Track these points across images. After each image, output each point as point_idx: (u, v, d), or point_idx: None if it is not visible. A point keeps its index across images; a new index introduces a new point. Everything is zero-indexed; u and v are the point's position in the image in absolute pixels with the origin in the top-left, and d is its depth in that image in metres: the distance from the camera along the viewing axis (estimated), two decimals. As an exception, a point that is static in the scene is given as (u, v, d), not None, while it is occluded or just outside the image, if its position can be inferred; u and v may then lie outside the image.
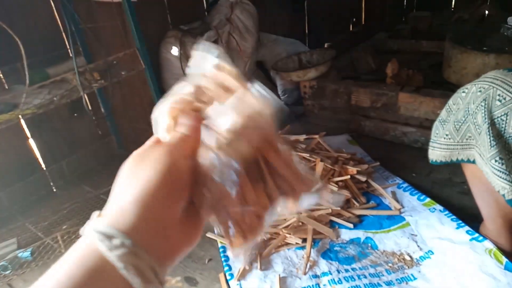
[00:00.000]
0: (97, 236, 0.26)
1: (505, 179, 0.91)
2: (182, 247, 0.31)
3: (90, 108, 1.85)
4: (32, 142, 1.72)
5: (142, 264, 0.26)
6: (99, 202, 1.61)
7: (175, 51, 1.92)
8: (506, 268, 1.07)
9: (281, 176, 0.34)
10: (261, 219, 0.34)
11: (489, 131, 0.92)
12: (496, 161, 0.92)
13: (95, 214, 0.29)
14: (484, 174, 0.97)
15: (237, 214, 0.33)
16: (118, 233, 0.26)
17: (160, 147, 0.32)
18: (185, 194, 0.32)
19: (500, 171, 0.92)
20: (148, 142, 0.35)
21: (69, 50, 1.72)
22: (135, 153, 0.33)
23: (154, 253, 0.27)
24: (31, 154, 1.74)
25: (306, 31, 2.96)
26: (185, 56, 1.92)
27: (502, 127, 0.91)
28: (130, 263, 0.25)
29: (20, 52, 1.28)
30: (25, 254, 1.37)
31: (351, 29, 3.44)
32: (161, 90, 1.88)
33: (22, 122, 1.67)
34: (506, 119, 0.90)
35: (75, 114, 1.81)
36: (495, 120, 0.92)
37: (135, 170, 0.31)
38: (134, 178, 0.30)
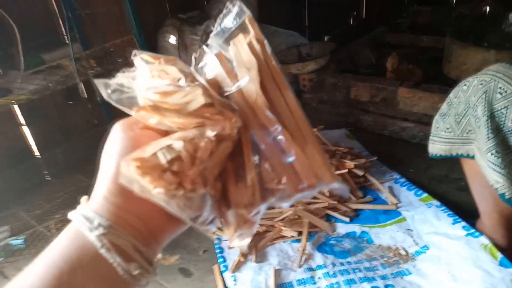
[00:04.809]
0: (80, 219, 0.28)
1: (500, 173, 0.91)
2: (167, 229, 0.30)
3: (86, 95, 1.82)
4: (25, 129, 1.70)
5: (122, 243, 0.27)
6: (94, 191, 1.59)
7: (172, 40, 1.89)
8: (500, 263, 1.08)
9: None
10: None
11: (487, 124, 0.92)
12: (492, 154, 0.91)
13: (84, 198, 0.30)
14: (481, 168, 0.97)
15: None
16: (98, 215, 0.27)
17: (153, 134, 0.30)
18: None
19: (495, 165, 0.91)
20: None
21: (65, 36, 1.69)
22: (125, 124, 0.31)
23: (135, 234, 0.28)
24: (24, 141, 1.71)
25: (306, 24, 2.93)
26: (182, 45, 1.89)
27: (501, 121, 0.91)
28: (110, 242, 0.26)
29: (16, 38, 1.25)
30: (18, 241, 1.36)
31: (351, 22, 3.41)
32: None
33: (16, 108, 1.64)
34: (506, 112, 0.90)
35: (70, 102, 1.78)
36: (495, 113, 0.91)
37: (122, 146, 0.29)
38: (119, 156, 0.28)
